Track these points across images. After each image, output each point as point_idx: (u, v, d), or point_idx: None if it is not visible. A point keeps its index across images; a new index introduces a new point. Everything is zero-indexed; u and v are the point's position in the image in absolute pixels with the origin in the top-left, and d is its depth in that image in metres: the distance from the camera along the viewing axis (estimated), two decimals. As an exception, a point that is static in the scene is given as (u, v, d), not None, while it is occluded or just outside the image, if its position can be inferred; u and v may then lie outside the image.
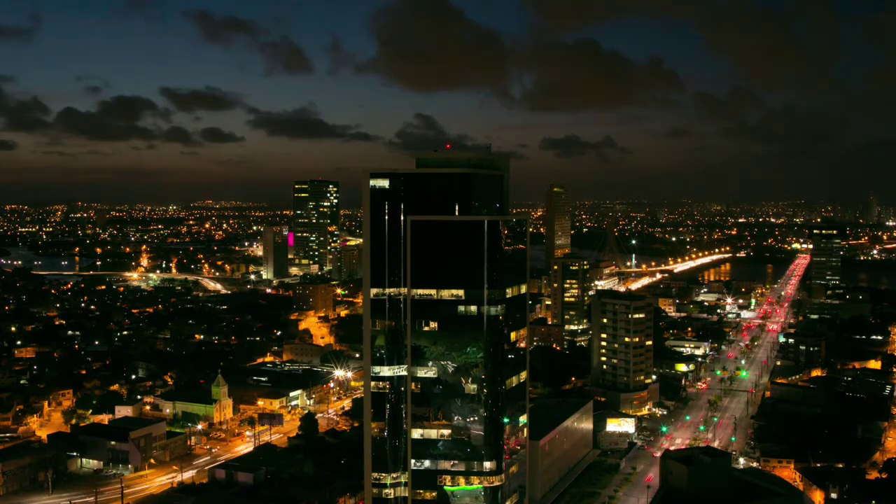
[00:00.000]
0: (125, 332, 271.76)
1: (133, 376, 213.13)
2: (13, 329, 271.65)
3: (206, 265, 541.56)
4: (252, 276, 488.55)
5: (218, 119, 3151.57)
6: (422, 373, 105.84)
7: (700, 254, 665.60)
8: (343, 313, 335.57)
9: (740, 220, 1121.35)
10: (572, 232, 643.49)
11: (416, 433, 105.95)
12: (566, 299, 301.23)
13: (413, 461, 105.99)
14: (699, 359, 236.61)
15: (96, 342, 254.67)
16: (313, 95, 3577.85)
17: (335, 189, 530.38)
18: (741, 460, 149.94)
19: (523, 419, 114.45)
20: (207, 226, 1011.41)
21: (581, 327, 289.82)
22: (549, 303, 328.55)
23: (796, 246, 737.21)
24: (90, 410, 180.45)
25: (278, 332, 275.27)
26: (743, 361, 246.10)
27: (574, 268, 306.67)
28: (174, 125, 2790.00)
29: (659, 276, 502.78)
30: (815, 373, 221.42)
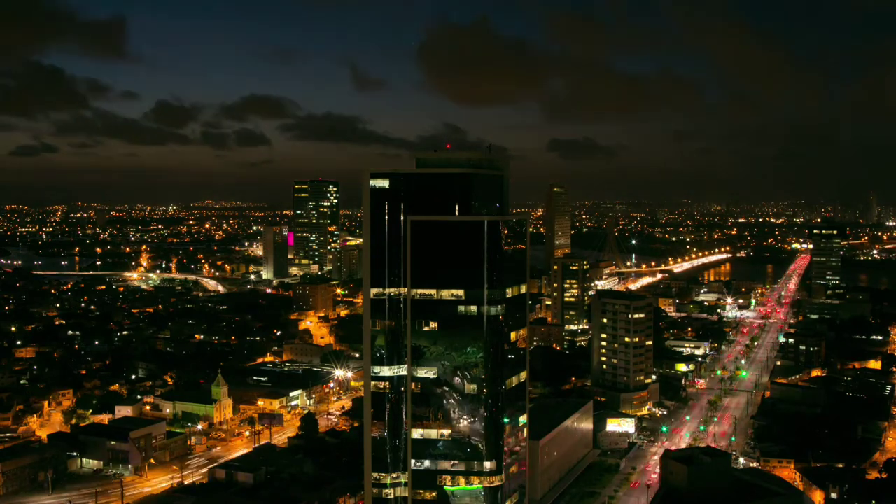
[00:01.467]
0: (125, 332, 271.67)
1: (133, 376, 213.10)
2: (13, 329, 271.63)
3: (206, 265, 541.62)
4: (252, 276, 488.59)
5: (259, 125, 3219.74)
6: (422, 373, 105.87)
7: (700, 254, 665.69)
8: (343, 313, 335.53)
9: (740, 220, 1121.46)
10: (572, 232, 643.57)
11: (416, 433, 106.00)
12: (566, 299, 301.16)
13: (413, 461, 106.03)
14: (699, 359, 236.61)
15: (96, 342, 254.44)
16: (359, 107, 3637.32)
17: (335, 189, 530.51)
18: (741, 460, 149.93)
19: (523, 419, 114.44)
20: (207, 226, 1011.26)
21: (581, 327, 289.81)
22: (549, 303, 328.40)
23: (796, 246, 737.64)
24: (90, 410, 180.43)
25: (278, 332, 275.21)
26: (743, 361, 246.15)
27: (574, 268, 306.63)
28: (213, 130, 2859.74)
29: (659, 276, 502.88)
30: (815, 373, 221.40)
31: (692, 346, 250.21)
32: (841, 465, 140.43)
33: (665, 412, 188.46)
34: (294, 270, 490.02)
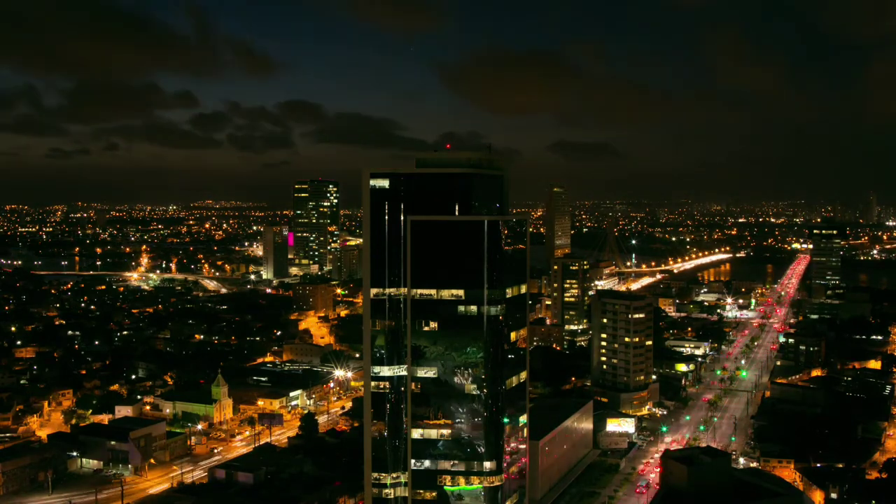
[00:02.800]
0: (125, 332, 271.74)
1: (133, 376, 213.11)
2: (13, 329, 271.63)
3: (206, 265, 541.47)
4: (252, 276, 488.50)
5: (291, 129, 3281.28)
6: (422, 373, 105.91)
7: (700, 254, 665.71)
8: (343, 313, 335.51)
9: (740, 220, 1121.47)
10: (572, 232, 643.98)
11: (416, 433, 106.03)
12: (566, 299, 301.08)
13: (413, 461, 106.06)
14: (699, 359, 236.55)
15: (96, 342, 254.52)
16: (392, 112, 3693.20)
17: (335, 189, 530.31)
18: (741, 460, 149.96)
19: (523, 419, 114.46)
20: (207, 226, 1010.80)
21: (581, 327, 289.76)
22: (549, 303, 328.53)
23: (796, 246, 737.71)
24: (90, 410, 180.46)
25: (278, 332, 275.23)
26: (743, 361, 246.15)
27: (574, 268, 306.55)
28: (241, 133, 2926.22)
29: (659, 276, 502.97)
30: (815, 373, 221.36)
31: (692, 346, 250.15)
32: (841, 465, 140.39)
33: (665, 412, 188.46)
34: (294, 270, 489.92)
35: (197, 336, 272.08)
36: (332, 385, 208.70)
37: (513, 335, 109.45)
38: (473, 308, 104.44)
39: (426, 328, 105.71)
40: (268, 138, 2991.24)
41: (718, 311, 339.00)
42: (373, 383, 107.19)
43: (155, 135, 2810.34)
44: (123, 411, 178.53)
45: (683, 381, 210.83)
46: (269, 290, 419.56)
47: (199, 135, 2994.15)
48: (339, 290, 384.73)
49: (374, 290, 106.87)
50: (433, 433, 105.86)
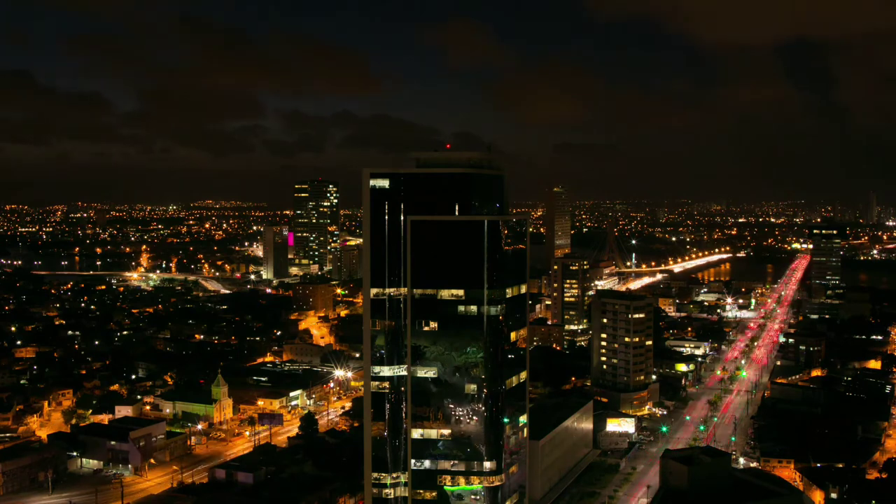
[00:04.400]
0: (125, 332, 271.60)
1: (133, 376, 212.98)
2: (13, 329, 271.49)
3: (206, 265, 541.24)
4: (252, 276, 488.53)
5: (324, 134, 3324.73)
6: (422, 373, 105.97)
7: (700, 254, 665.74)
8: (343, 313, 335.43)
9: (740, 220, 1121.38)
10: (572, 232, 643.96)
11: (416, 433, 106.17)
12: (566, 299, 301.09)
13: (413, 461, 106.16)
14: (699, 359, 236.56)
15: (96, 342, 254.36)
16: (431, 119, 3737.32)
17: (335, 189, 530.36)
18: (741, 460, 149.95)
19: (523, 419, 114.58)
20: (207, 226, 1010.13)
21: (581, 327, 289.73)
22: (549, 303, 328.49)
23: (796, 246, 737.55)
24: (90, 410, 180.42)
25: (278, 332, 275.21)
26: (743, 361, 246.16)
27: (574, 268, 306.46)
28: (273, 138, 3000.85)
29: (659, 276, 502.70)
30: (815, 373, 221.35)
31: (692, 346, 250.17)
32: (841, 465, 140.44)
33: (665, 412, 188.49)
34: (294, 270, 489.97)
35: (197, 336, 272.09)
36: (332, 385, 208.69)
37: (513, 335, 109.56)
38: (473, 308, 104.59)
39: (426, 328, 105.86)
40: (299, 143, 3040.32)
41: (718, 311, 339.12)
42: (373, 383, 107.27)
43: (199, 142, 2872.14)
44: (123, 411, 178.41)
45: (683, 381, 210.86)
46: (269, 290, 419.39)
47: (238, 139, 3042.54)
48: (339, 290, 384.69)
49: (374, 290, 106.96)
50: (433, 433, 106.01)
